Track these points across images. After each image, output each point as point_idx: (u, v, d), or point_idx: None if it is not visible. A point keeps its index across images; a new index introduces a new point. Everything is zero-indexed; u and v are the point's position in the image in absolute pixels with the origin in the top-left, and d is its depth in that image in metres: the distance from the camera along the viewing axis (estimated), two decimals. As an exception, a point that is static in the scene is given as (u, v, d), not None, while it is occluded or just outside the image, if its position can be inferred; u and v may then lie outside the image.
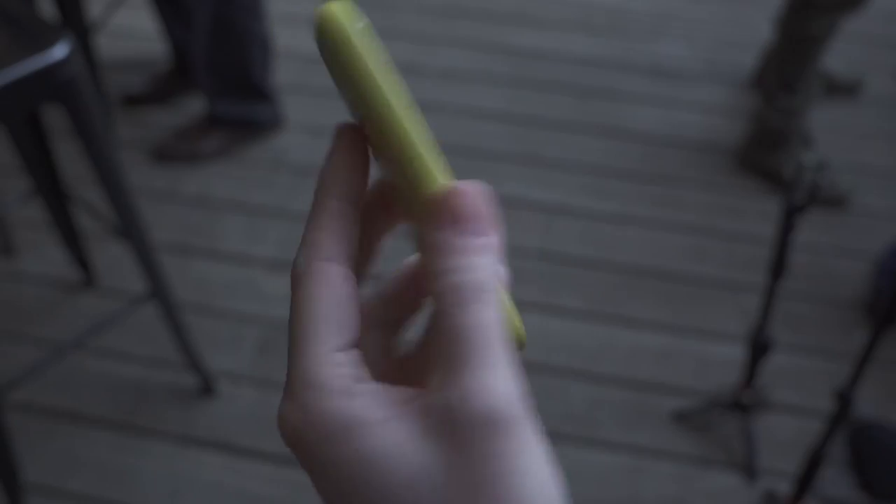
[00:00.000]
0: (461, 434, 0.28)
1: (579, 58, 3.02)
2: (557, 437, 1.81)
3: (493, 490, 0.27)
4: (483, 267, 0.30)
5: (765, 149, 2.48)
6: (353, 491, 0.28)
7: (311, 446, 0.29)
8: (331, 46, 0.33)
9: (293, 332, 0.31)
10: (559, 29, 3.17)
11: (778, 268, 1.55)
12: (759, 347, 1.68)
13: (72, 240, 1.99)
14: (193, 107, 2.68)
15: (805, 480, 1.55)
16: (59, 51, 1.26)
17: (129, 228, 1.54)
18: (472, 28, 3.14)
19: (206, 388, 1.85)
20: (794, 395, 1.91)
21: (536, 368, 1.94)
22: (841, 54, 2.82)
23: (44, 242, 2.17)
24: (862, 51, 3.05)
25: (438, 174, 0.32)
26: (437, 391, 0.28)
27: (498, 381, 0.28)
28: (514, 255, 2.21)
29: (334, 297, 0.31)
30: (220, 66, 2.39)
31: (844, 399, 1.43)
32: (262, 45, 2.40)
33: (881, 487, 1.72)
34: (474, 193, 0.31)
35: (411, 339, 0.37)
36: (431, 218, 0.31)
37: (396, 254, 2.07)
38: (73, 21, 2.16)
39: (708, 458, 1.78)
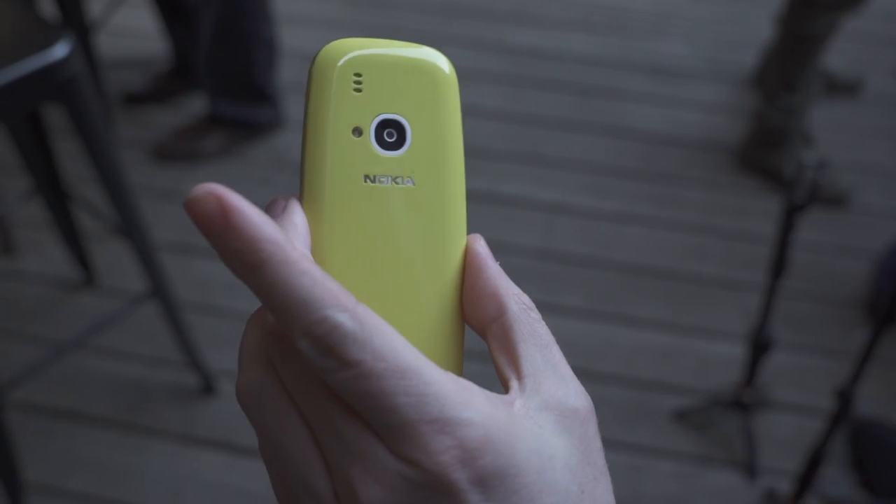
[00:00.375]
0: (576, 423, 0.33)
1: (580, 56, 3.02)
2: (558, 435, 1.81)
3: (598, 463, 0.34)
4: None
5: (765, 147, 2.48)
6: (534, 486, 0.30)
7: (493, 458, 0.29)
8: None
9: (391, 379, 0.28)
10: (559, 28, 3.17)
11: (778, 267, 1.55)
12: (759, 346, 1.68)
13: (72, 239, 1.99)
14: (194, 106, 2.68)
15: (805, 479, 1.55)
16: (60, 50, 1.26)
17: (129, 227, 1.54)
18: (473, 27, 3.14)
19: (207, 388, 1.85)
20: (795, 394, 1.91)
21: (537, 367, 1.94)
22: (841, 53, 2.82)
23: (44, 241, 2.17)
24: (862, 50, 3.05)
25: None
26: (548, 388, 0.33)
27: (576, 380, 0.35)
28: (515, 253, 2.21)
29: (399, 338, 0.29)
30: (223, 66, 2.39)
31: (845, 398, 1.43)
32: (267, 47, 2.40)
33: (882, 486, 1.72)
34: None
35: None
36: None
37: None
38: (74, 20, 2.16)
39: (708, 457, 1.78)
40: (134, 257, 1.61)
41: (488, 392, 0.31)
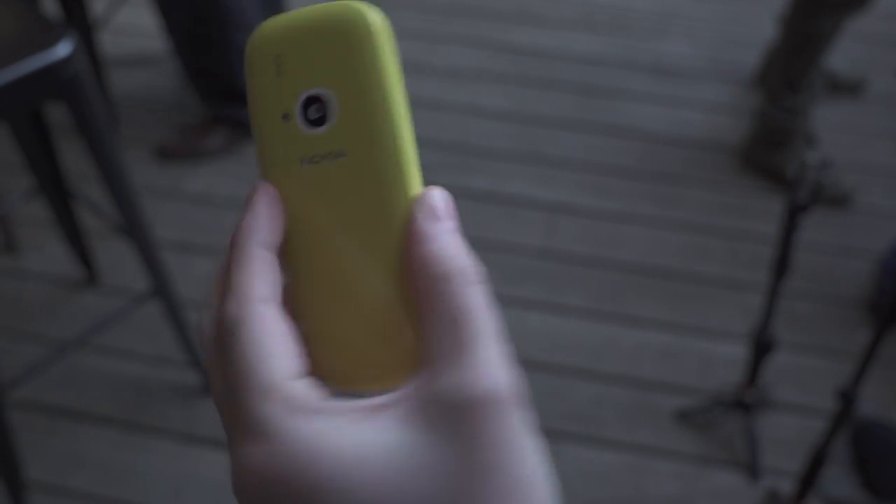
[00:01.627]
0: (465, 418, 0.28)
1: (582, 56, 3.02)
2: (560, 435, 1.81)
3: (489, 462, 0.28)
4: (464, 253, 0.32)
5: (768, 147, 2.48)
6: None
7: (290, 481, 0.27)
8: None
9: (238, 378, 0.30)
10: (562, 27, 3.17)
11: (781, 267, 1.55)
12: (761, 346, 1.68)
13: (75, 237, 1.99)
14: (196, 105, 2.68)
15: (808, 479, 1.54)
16: (63, 48, 1.26)
17: (131, 226, 1.54)
18: (475, 26, 3.14)
19: (209, 386, 1.85)
20: (797, 394, 1.91)
21: (539, 367, 1.94)
22: (844, 53, 2.82)
23: (47, 240, 2.17)
24: (865, 50, 3.04)
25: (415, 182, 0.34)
26: (443, 377, 0.29)
27: (500, 361, 0.29)
28: (516, 253, 2.21)
29: (278, 334, 0.31)
30: (205, 74, 2.38)
31: (847, 398, 1.43)
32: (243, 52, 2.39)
33: (884, 486, 1.72)
34: (441, 196, 0.33)
35: None
36: (414, 215, 0.33)
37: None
38: (77, 18, 2.16)
39: (711, 457, 1.78)
40: (136, 256, 1.61)
41: (338, 404, 0.29)
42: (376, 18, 0.34)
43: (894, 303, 1.31)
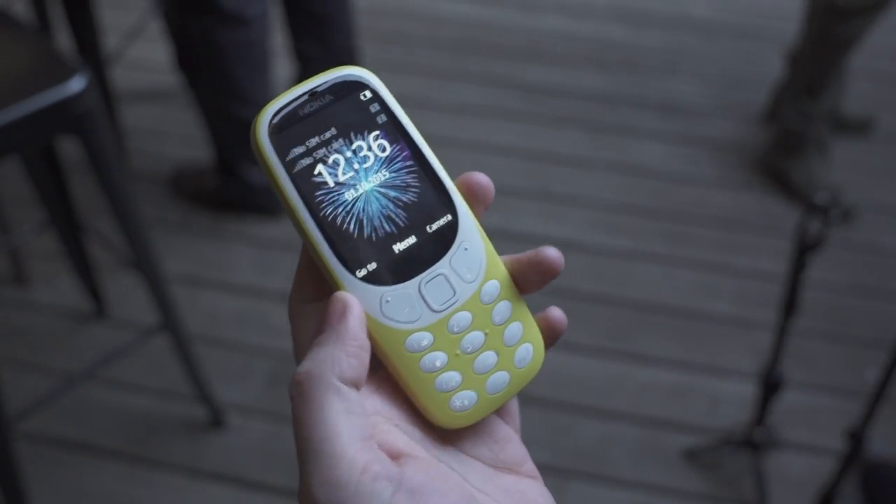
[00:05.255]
0: None
1: (591, 93, 3.03)
2: (568, 473, 1.80)
3: None
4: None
5: (782, 152, 2.55)
6: None
7: None
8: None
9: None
10: (571, 65, 3.19)
11: (789, 306, 1.55)
12: (770, 385, 1.67)
13: (84, 270, 2.00)
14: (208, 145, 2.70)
15: (817, 521, 1.53)
16: (76, 84, 1.28)
17: (141, 260, 1.54)
18: (484, 63, 3.16)
19: (216, 421, 1.85)
20: (806, 434, 1.90)
21: (547, 404, 1.93)
22: (850, 92, 2.82)
23: (56, 273, 2.18)
24: (871, 89, 3.05)
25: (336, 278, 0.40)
26: None
27: None
28: (525, 289, 2.20)
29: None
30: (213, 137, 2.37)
31: (857, 438, 1.42)
32: (235, 124, 2.28)
33: (895, 529, 1.70)
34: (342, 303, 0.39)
35: None
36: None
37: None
38: (89, 53, 2.18)
39: (718, 497, 1.77)
40: (145, 289, 1.61)
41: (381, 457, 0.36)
42: (263, 130, 0.41)
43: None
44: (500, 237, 2.35)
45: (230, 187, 2.38)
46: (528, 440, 0.44)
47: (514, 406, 0.46)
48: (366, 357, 0.38)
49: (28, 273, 2.19)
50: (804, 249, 1.46)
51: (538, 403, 1.93)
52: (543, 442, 1.85)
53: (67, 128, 1.32)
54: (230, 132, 2.28)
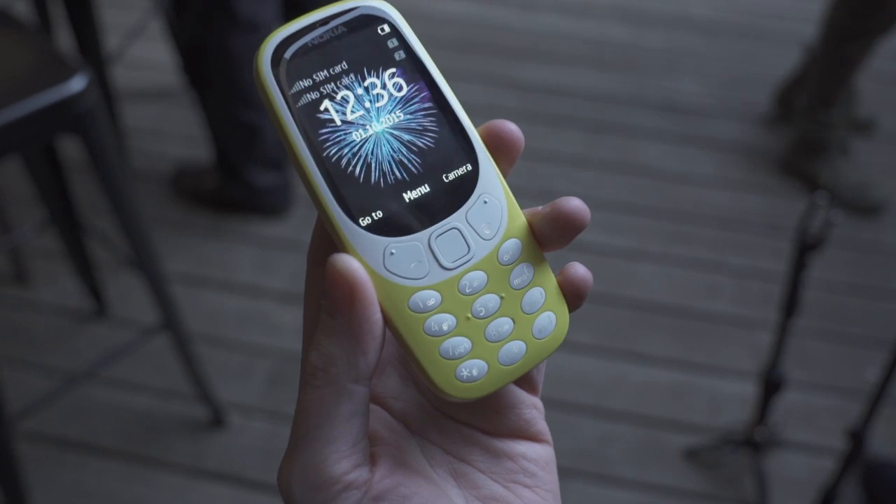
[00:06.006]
0: None
1: (592, 93, 3.03)
2: (568, 473, 1.80)
3: None
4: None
5: (804, 155, 2.63)
6: None
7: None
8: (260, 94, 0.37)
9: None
10: (572, 64, 3.19)
11: (790, 305, 1.55)
12: (771, 384, 1.67)
13: (85, 270, 2.00)
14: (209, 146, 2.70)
15: (818, 520, 1.53)
16: (77, 83, 1.28)
17: (142, 259, 1.54)
18: (485, 63, 3.16)
19: (217, 420, 1.85)
20: (807, 433, 1.90)
21: (547, 404, 1.92)
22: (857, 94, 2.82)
23: (57, 272, 2.18)
24: (873, 89, 3.05)
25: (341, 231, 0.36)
26: None
27: None
28: (526, 289, 2.20)
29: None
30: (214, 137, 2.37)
31: (857, 438, 1.42)
32: (243, 130, 2.29)
33: (895, 528, 1.70)
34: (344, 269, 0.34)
35: None
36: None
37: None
38: (90, 53, 2.18)
39: (719, 497, 1.77)
40: (145, 289, 1.61)
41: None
42: (266, 66, 0.37)
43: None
44: (500, 237, 2.36)
45: (233, 189, 2.37)
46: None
47: (538, 372, 0.43)
48: (380, 345, 0.35)
49: (29, 272, 2.19)
50: (805, 249, 1.46)
51: (538, 403, 1.93)
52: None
53: (68, 127, 1.33)
54: (236, 136, 2.28)
